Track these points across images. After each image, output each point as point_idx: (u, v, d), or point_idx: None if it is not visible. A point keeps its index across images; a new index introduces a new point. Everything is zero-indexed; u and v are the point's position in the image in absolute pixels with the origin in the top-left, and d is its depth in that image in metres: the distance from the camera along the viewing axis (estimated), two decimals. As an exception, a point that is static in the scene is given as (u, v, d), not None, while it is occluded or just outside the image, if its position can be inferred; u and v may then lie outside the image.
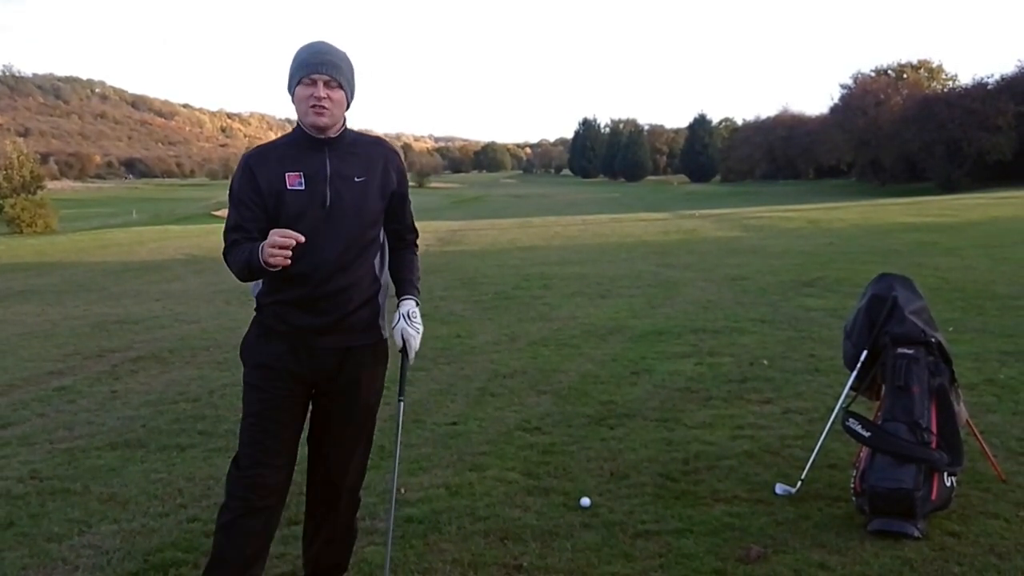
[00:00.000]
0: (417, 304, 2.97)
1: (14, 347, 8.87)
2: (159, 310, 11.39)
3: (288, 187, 2.72)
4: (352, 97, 2.82)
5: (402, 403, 3.11)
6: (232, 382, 6.43)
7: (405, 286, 3.01)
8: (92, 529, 3.83)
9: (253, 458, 2.81)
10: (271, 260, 2.54)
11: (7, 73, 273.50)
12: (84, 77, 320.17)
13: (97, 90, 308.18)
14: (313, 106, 2.69)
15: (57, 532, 3.80)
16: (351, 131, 2.87)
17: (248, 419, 2.85)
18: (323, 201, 2.73)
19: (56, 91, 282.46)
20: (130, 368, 7.45)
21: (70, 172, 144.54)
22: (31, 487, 4.39)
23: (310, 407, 2.96)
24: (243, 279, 2.78)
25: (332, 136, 2.78)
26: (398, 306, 2.96)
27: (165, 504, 4.10)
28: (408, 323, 2.90)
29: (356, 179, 2.80)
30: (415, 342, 2.90)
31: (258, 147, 2.88)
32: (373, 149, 2.90)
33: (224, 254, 2.79)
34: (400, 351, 2.92)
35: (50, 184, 66.92)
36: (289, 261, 2.55)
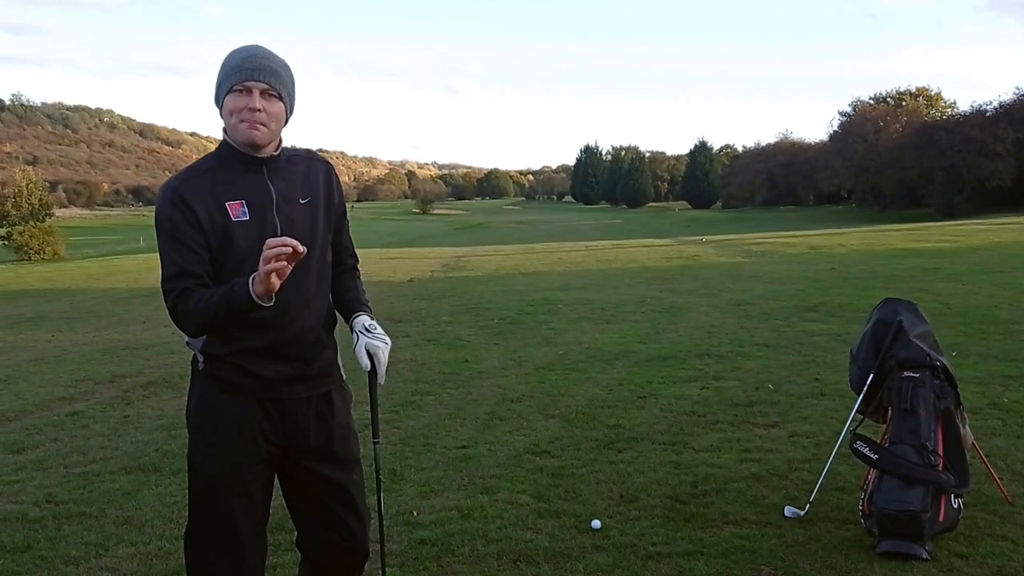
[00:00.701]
0: (372, 318, 2.57)
1: (26, 373, 8.94)
2: (168, 335, 11.43)
3: (232, 219, 2.31)
4: (292, 111, 2.42)
5: (377, 446, 2.71)
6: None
7: (354, 305, 2.60)
8: (109, 552, 3.88)
9: (233, 555, 2.44)
10: (272, 277, 2.09)
11: (16, 102, 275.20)
12: (92, 106, 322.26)
13: (105, 119, 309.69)
14: (246, 120, 2.29)
15: (74, 555, 3.84)
16: (286, 148, 2.47)
17: (212, 501, 2.42)
18: (274, 231, 2.32)
19: (65, 120, 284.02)
20: (141, 393, 7.52)
21: (78, 200, 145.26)
22: (47, 511, 4.44)
23: (276, 478, 2.56)
24: (205, 329, 2.33)
25: (271, 154, 2.39)
26: (351, 325, 2.55)
27: (181, 527, 4.12)
28: (370, 335, 2.47)
29: (301, 201, 2.42)
30: (383, 355, 2.46)
31: (183, 173, 2.40)
32: (311, 165, 2.52)
33: (174, 309, 2.29)
34: (368, 373, 2.50)
35: (58, 212, 67.39)
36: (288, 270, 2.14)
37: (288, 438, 2.46)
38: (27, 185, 51.67)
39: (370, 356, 2.46)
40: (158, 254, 2.36)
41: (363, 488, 2.64)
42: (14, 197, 50.34)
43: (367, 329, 2.50)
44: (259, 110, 2.28)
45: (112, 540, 4.01)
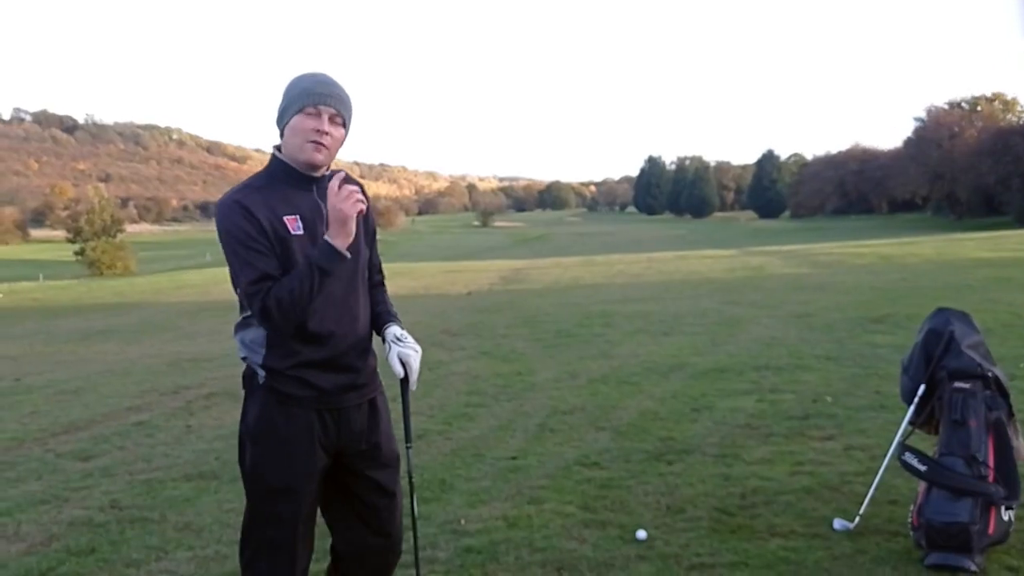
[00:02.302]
0: (402, 328, 2.70)
1: (95, 384, 9.30)
2: (230, 348, 11.63)
3: (291, 232, 2.42)
4: (347, 138, 2.54)
5: (410, 450, 2.79)
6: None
7: (385, 316, 2.72)
8: (168, 555, 4.00)
9: (287, 558, 2.55)
10: (353, 207, 2.34)
11: (89, 121, 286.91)
12: (162, 124, 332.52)
13: (174, 137, 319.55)
14: (313, 141, 2.40)
15: (136, 558, 3.97)
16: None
17: (270, 508, 2.52)
18: None
19: (136, 138, 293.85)
20: (204, 404, 7.75)
21: (148, 216, 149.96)
22: (111, 516, 4.60)
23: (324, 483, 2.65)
24: (299, 311, 2.38)
25: (322, 175, 2.51)
26: (383, 335, 2.67)
27: (237, 532, 4.14)
28: (402, 344, 2.61)
29: None
30: (415, 362, 2.60)
31: (241, 188, 2.48)
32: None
33: (264, 307, 2.36)
34: (401, 380, 2.62)
35: (129, 227, 69.98)
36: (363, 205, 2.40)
37: (342, 445, 2.56)
38: (99, 202, 53.79)
39: (402, 363, 2.58)
40: (228, 266, 2.45)
41: (401, 491, 2.75)
42: (87, 214, 52.45)
43: (398, 338, 2.62)
44: (327, 133, 2.40)
45: (172, 544, 4.14)
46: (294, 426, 2.49)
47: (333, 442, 2.55)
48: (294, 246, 2.40)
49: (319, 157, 2.43)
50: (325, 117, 2.41)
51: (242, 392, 2.64)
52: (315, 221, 2.46)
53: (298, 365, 2.47)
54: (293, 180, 2.48)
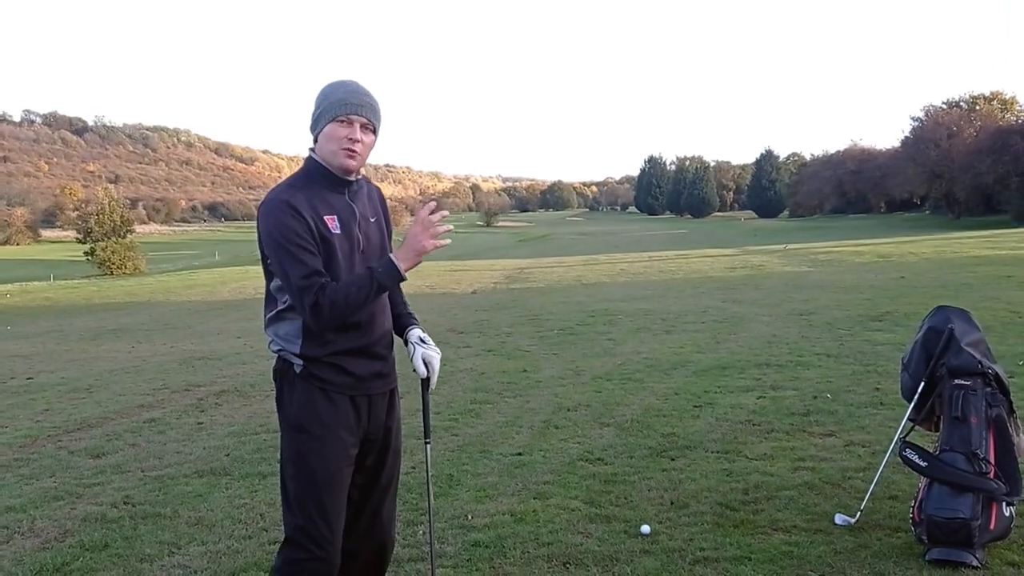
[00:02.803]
0: (423, 330, 2.86)
1: (107, 382, 9.38)
2: (240, 347, 11.87)
3: (331, 231, 2.55)
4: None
5: (429, 446, 2.94)
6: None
7: (406, 319, 2.88)
8: (181, 550, 4.06)
9: (327, 534, 2.58)
10: (434, 244, 2.50)
11: (99, 123, 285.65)
12: (171, 126, 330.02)
13: (183, 138, 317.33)
14: (346, 148, 2.55)
15: (149, 553, 4.03)
16: None
17: (315, 494, 2.58)
18: (358, 245, 2.61)
19: (144, 139, 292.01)
20: (214, 401, 7.83)
21: (157, 216, 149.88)
22: (124, 512, 4.66)
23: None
24: (349, 315, 2.51)
25: (354, 178, 2.66)
26: (406, 337, 2.82)
27: (248, 527, 4.33)
28: (425, 347, 2.76)
29: (371, 219, 2.70)
30: (436, 363, 2.75)
31: (285, 187, 2.58)
32: (370, 188, 2.79)
33: (316, 303, 2.45)
34: (423, 380, 2.76)
35: (138, 228, 70.21)
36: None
37: (370, 431, 2.69)
38: (109, 203, 53.97)
39: (425, 364, 2.72)
40: (273, 263, 2.54)
41: (396, 486, 2.87)
42: (97, 215, 52.65)
43: (422, 340, 2.78)
44: (359, 141, 2.55)
45: (184, 539, 4.21)
46: (335, 411, 2.59)
47: (364, 429, 2.67)
48: (335, 243, 2.53)
49: (352, 163, 2.57)
50: (357, 126, 2.55)
51: (273, 387, 2.71)
52: (349, 222, 2.60)
53: (335, 353, 2.58)
54: (329, 182, 2.61)
